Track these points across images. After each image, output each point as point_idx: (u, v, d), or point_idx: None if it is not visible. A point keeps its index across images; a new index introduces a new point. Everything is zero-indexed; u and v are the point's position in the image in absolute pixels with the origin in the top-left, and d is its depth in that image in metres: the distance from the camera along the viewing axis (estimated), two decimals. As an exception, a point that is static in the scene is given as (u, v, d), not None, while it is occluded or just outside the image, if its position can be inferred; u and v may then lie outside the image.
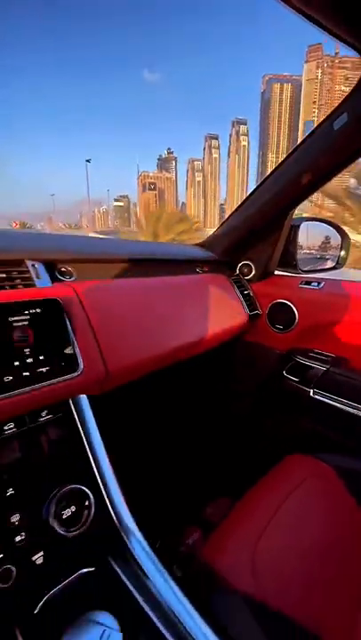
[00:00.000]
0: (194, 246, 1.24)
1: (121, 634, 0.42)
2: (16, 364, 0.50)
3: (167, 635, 0.40)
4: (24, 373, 0.50)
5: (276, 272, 1.20)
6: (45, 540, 0.44)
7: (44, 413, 0.52)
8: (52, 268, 0.69)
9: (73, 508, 0.47)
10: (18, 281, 0.60)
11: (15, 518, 0.43)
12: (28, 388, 0.49)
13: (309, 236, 1.43)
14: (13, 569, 0.41)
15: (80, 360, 0.57)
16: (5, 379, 0.48)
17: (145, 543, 0.48)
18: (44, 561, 0.43)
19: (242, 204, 1.09)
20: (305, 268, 1.20)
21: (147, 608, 0.43)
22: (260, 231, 1.11)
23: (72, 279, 0.71)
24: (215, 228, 1.29)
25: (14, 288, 0.59)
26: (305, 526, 0.64)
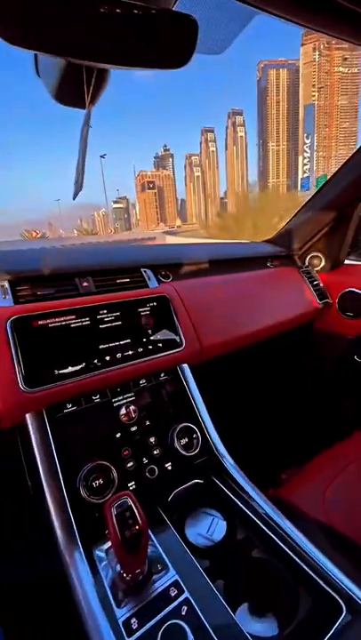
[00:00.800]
0: (263, 243, 1.37)
1: (225, 522, 0.61)
2: (144, 340, 0.73)
3: (260, 524, 0.58)
4: (149, 347, 0.73)
5: (347, 261, 1.26)
6: (172, 456, 0.66)
7: (162, 375, 0.74)
8: (156, 272, 0.91)
9: (186, 439, 0.68)
10: (137, 283, 0.83)
11: (152, 439, 0.66)
12: (152, 357, 0.72)
13: None
14: (156, 468, 0.63)
15: (183, 339, 0.78)
16: (139, 349, 0.71)
17: (236, 465, 0.66)
18: (172, 468, 0.65)
19: (309, 200, 1.18)
20: (377, 256, 1.23)
21: (242, 507, 0.61)
22: (328, 224, 1.18)
23: (170, 280, 0.93)
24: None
25: (135, 289, 0.82)
26: None
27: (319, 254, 1.25)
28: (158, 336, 0.75)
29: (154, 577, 0.50)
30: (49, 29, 0.42)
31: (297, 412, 1.37)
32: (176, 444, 0.66)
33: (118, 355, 0.69)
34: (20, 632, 0.78)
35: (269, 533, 0.55)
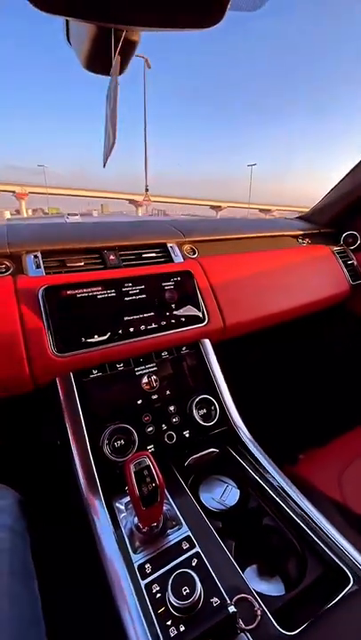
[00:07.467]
0: (295, 220, 1.31)
1: (238, 490, 0.63)
2: (167, 314, 0.74)
3: (273, 494, 0.59)
4: (172, 320, 0.74)
5: (386, 240, 1.17)
6: (190, 424, 0.68)
7: (184, 348, 0.76)
8: (181, 247, 0.91)
9: (204, 410, 0.70)
10: (163, 258, 0.84)
11: (172, 408, 0.69)
12: (174, 330, 0.74)
13: None
14: (174, 435, 0.66)
15: (206, 315, 0.79)
16: (162, 323, 0.73)
17: (252, 438, 0.68)
18: (189, 436, 0.68)
19: (346, 175, 1.10)
20: None
21: (256, 477, 0.62)
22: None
23: (196, 255, 0.92)
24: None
25: (161, 264, 0.83)
26: None
27: (355, 232, 1.18)
28: (181, 311, 0.76)
29: (168, 531, 0.54)
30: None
31: (319, 394, 1.34)
32: (195, 414, 0.68)
33: (142, 327, 0.71)
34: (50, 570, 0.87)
35: (281, 504, 0.57)
